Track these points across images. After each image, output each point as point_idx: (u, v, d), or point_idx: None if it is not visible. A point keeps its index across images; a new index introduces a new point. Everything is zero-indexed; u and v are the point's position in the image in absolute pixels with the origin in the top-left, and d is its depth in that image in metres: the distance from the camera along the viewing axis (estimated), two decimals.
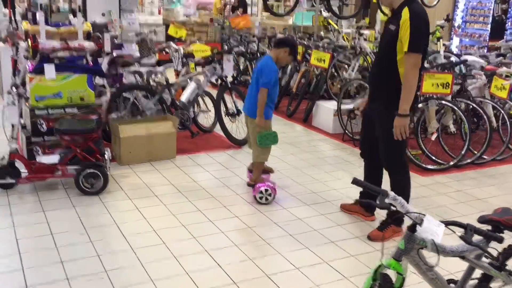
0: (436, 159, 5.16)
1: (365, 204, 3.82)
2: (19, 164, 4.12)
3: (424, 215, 1.97)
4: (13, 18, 6.91)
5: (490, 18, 11.59)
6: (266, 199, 4.08)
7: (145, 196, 4.17)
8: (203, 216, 3.82)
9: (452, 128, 5.25)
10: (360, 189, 3.69)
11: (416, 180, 4.84)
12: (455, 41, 12.20)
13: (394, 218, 3.42)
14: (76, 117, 4.47)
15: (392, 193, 2.00)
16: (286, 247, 3.41)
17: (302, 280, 3.03)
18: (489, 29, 11.59)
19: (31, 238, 3.37)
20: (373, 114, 3.57)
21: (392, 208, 1.98)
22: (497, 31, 11.40)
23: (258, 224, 3.75)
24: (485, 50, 10.49)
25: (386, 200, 2.00)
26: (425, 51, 3.37)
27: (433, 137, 5.13)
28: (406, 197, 3.41)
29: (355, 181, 2.09)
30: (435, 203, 4.31)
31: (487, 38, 11.59)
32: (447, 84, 4.92)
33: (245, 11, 12.37)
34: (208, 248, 3.34)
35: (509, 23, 11.48)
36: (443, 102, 5.11)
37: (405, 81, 3.25)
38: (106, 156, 4.27)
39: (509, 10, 11.47)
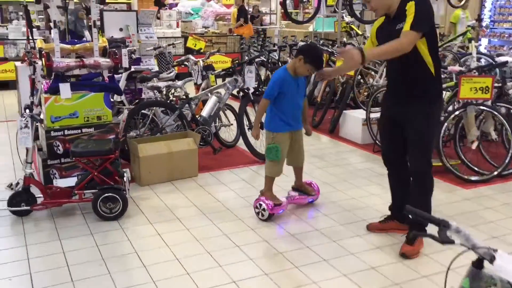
0: (478, 169, 4.78)
1: (399, 216, 3.59)
2: (35, 189, 3.91)
3: (495, 250, 1.65)
4: (30, 37, 6.82)
5: None
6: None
7: (167, 219, 3.91)
8: (229, 241, 3.54)
9: (494, 135, 4.87)
10: (387, 202, 3.71)
11: (458, 193, 4.48)
12: (484, 41, 11.74)
13: (419, 228, 3.21)
14: (93, 138, 4.26)
15: (454, 224, 1.68)
16: (322, 275, 3.10)
17: None
18: None
19: (46, 271, 3.13)
20: (403, 118, 3.30)
21: (458, 243, 1.66)
22: None
23: (289, 248, 3.44)
24: None
25: (448, 233, 1.67)
26: (435, 38, 3.24)
27: (474, 146, 4.76)
28: (430, 201, 3.36)
29: (409, 210, 1.77)
30: (482, 218, 3.94)
31: None
32: (487, 88, 4.55)
33: (246, 21, 12.27)
34: (236, 278, 3.05)
35: None
36: (483, 107, 4.74)
37: (391, 46, 3.01)
38: (125, 177, 4.04)
39: None
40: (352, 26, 9.18)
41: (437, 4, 9.30)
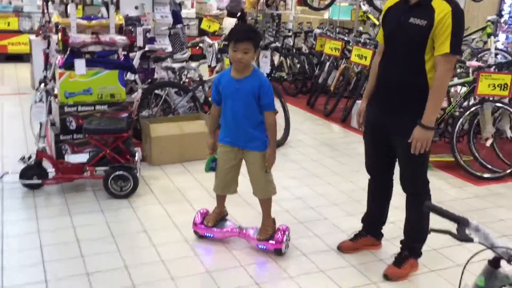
0: (491, 167, 4.74)
1: (371, 231, 3.27)
2: (47, 164, 3.93)
3: None
4: (46, 11, 6.79)
5: None
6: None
7: (176, 200, 3.92)
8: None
9: (509, 133, 4.81)
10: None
11: (469, 190, 4.45)
12: (501, 37, 11.55)
13: (411, 251, 3.03)
14: (106, 115, 4.26)
15: (474, 222, 1.67)
16: (328, 264, 3.10)
17: None
18: None
19: (56, 245, 3.16)
20: (392, 128, 2.85)
21: (476, 241, 1.64)
22: None
23: (297, 236, 3.44)
24: None
25: (467, 231, 1.66)
26: None
27: (488, 143, 4.70)
28: (427, 223, 2.87)
29: (429, 207, 1.75)
30: (494, 217, 3.91)
31: None
32: (505, 85, 4.49)
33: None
34: (244, 263, 3.06)
35: None
36: (500, 105, 4.68)
37: (437, 87, 2.65)
38: (136, 157, 4.04)
39: None
40: (369, 15, 9.07)
41: None
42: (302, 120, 6.74)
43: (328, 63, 7.31)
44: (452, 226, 1.65)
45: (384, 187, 3.17)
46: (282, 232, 3.14)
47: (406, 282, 2.95)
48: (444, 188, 4.47)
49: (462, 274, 1.73)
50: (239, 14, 10.85)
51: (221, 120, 3.16)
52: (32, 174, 3.87)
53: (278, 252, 3.12)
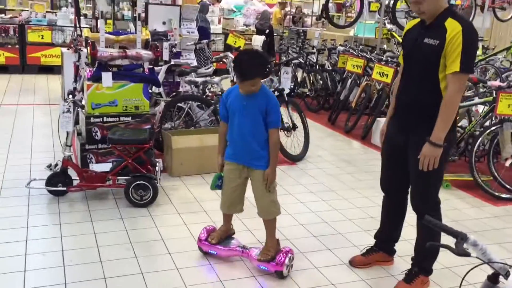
0: (510, 187, 4.70)
1: (384, 247, 3.30)
2: (72, 172, 4.09)
3: (511, 266, 1.67)
4: (77, 25, 7.08)
5: None
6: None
7: (194, 211, 4.03)
8: (253, 237, 3.62)
9: None
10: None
11: (487, 210, 4.43)
12: None
13: (422, 268, 3.06)
14: (130, 126, 4.42)
15: (472, 237, 1.71)
16: (339, 279, 3.14)
17: None
18: None
19: (77, 250, 3.29)
20: (407, 145, 2.89)
21: (473, 256, 1.69)
22: None
23: (310, 249, 3.50)
24: None
25: (465, 246, 1.70)
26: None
27: (508, 163, 4.67)
28: (437, 241, 2.79)
29: (428, 221, 1.81)
30: (509, 237, 3.88)
31: None
32: None
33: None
34: (256, 273, 3.13)
35: None
36: None
37: (447, 105, 2.68)
38: (157, 167, 4.17)
39: None
40: (393, 33, 9.10)
41: (483, 16, 9.12)
42: (323, 136, 6.80)
43: (350, 80, 7.38)
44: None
45: (398, 205, 3.21)
46: (284, 254, 3.06)
47: None
48: (461, 208, 4.45)
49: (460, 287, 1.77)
50: (267, 31, 11.07)
51: (228, 136, 3.11)
52: (58, 181, 4.03)
53: (279, 275, 3.05)
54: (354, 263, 3.31)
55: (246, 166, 3.06)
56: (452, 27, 2.65)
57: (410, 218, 3.22)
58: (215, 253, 3.26)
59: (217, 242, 3.25)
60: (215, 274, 3.11)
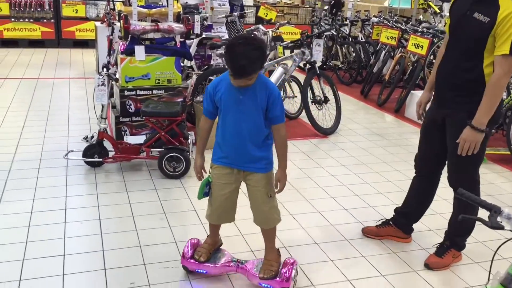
0: None
1: (401, 223, 3.25)
2: (107, 144, 4.20)
3: None
4: None
5: None
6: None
7: None
8: (283, 209, 3.65)
9: None
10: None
11: None
12: None
13: (454, 242, 3.02)
14: (162, 99, 4.48)
15: (506, 210, 1.69)
16: (370, 251, 3.16)
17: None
18: None
19: (113, 219, 3.41)
20: (445, 122, 2.82)
21: (507, 229, 1.67)
22: None
23: (340, 222, 3.52)
24: None
25: (499, 219, 1.68)
26: None
27: None
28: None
29: (461, 193, 1.79)
30: None
31: None
32: None
33: None
34: (287, 244, 3.18)
35: None
36: None
37: (492, 88, 2.57)
38: (189, 140, 4.24)
39: None
40: (430, 3, 8.82)
41: None
42: (355, 109, 6.73)
43: (384, 52, 7.23)
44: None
45: (428, 187, 3.13)
46: (289, 266, 2.65)
47: (447, 272, 2.96)
48: (497, 182, 4.37)
49: (492, 261, 1.76)
50: None
51: (218, 136, 2.58)
52: (94, 152, 4.15)
53: None
54: (365, 231, 3.32)
55: (241, 169, 2.57)
56: (506, 5, 2.50)
57: (444, 192, 3.19)
58: (205, 272, 2.75)
59: (206, 260, 2.74)
60: (246, 245, 3.17)
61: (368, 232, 3.31)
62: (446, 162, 2.93)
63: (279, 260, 2.73)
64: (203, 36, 5.77)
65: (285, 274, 2.61)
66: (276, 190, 2.60)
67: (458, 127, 2.69)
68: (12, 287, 2.59)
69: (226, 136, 2.54)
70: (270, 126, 2.51)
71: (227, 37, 6.76)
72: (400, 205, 3.31)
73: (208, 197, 2.70)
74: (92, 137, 4.24)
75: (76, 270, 2.79)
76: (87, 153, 4.15)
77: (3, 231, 3.15)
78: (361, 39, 8.67)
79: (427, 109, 3.07)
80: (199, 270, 2.75)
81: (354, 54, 8.15)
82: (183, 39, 4.74)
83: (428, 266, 2.98)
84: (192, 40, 5.63)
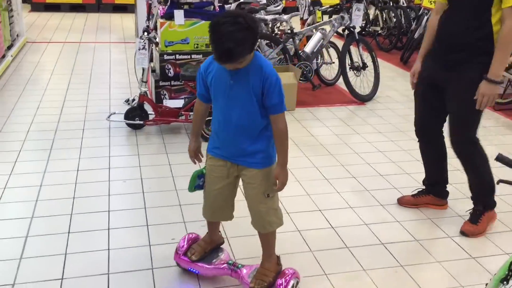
0: None
1: (436, 191, 3.25)
2: (148, 107, 4.32)
3: None
4: None
5: None
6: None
7: None
8: (319, 174, 3.71)
9: None
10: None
11: None
12: None
13: (485, 204, 3.02)
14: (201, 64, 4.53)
15: None
16: (405, 217, 3.18)
17: (422, 253, 2.81)
18: None
19: (154, 179, 3.54)
20: (450, 84, 2.79)
21: None
22: None
23: (376, 187, 3.54)
24: None
25: None
26: None
27: None
28: (488, 176, 2.91)
29: (500, 158, 1.79)
30: None
31: None
32: None
33: None
34: (322, 207, 3.24)
35: None
36: None
37: (503, 40, 2.57)
38: None
39: None
40: None
41: None
42: (394, 76, 6.62)
43: (426, 17, 7.01)
44: None
45: (436, 147, 3.14)
46: (287, 278, 2.31)
47: (483, 239, 2.97)
48: None
49: None
50: None
51: (212, 124, 2.30)
52: (135, 115, 4.28)
53: None
54: (401, 202, 3.33)
55: (234, 163, 2.24)
56: None
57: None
58: (197, 271, 2.48)
59: (199, 259, 2.46)
60: (282, 207, 3.24)
61: (405, 203, 3.31)
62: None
63: (277, 269, 2.37)
64: (241, 0, 5.75)
65: (280, 286, 2.28)
66: (275, 189, 2.24)
67: (468, 87, 2.71)
68: (62, 238, 2.77)
69: (216, 124, 2.23)
70: (267, 115, 2.13)
71: (265, 1, 6.71)
72: (424, 177, 3.32)
73: (202, 190, 2.42)
74: (133, 100, 4.36)
75: (120, 225, 2.94)
76: (128, 115, 4.28)
77: (52, 187, 3.33)
78: (403, 3, 8.42)
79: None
80: (191, 269, 2.49)
81: (395, 20, 7.94)
82: (221, 4, 4.75)
83: (464, 233, 2.99)
84: (230, 5, 5.63)
